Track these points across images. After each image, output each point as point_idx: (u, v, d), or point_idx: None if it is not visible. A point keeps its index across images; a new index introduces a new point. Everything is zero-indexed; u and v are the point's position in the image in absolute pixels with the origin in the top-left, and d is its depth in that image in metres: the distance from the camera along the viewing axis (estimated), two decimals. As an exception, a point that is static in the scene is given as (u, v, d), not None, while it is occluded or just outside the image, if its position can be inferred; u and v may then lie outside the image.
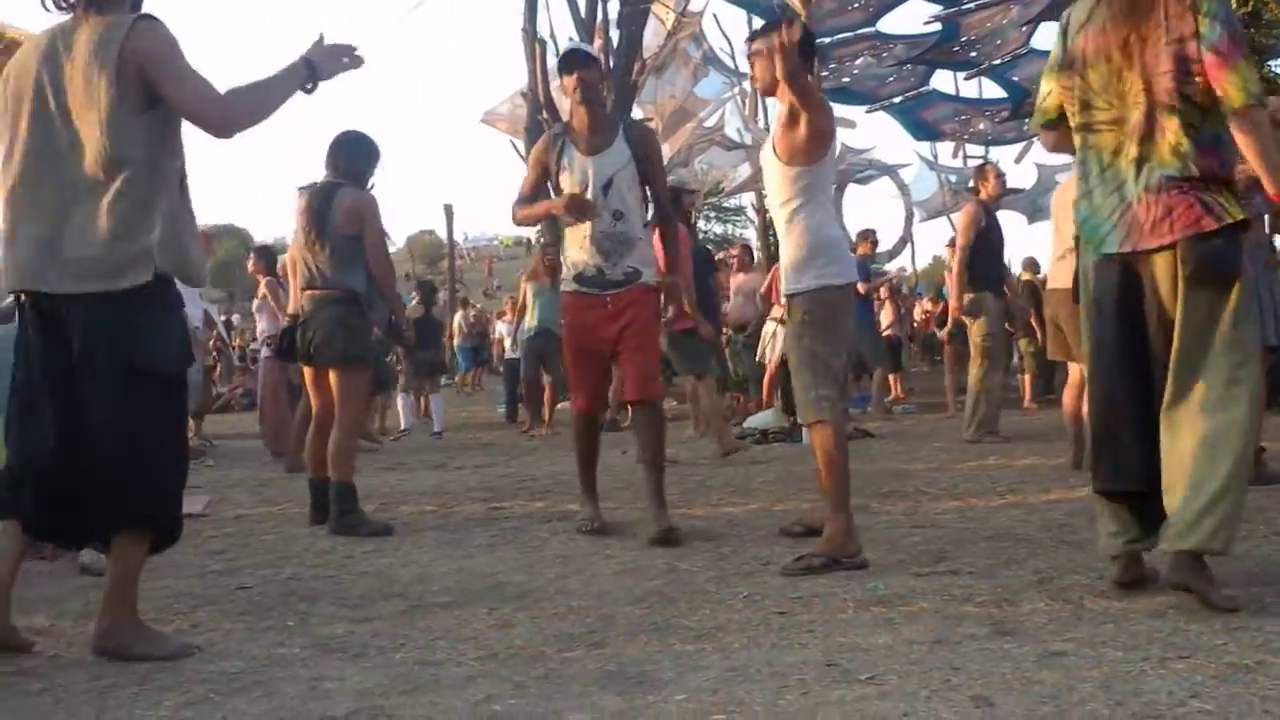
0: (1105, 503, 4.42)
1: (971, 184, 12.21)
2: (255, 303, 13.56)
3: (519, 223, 6.61)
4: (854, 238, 14.43)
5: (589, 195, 6.15)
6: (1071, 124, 4.51)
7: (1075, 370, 8.25)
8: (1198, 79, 4.16)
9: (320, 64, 4.23)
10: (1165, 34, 4.19)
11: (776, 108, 5.73)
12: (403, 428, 15.06)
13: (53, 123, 3.95)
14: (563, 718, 3.24)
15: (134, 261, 3.91)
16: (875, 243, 16.79)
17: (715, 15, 30.03)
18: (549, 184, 6.46)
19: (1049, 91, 4.62)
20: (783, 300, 5.86)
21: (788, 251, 5.62)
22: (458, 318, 29.57)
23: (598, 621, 4.33)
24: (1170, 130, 4.21)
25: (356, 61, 4.37)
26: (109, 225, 3.89)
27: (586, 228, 6.21)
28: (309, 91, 4.22)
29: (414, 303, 15.68)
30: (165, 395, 4.10)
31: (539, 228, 22.89)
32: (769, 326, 13.44)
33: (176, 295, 4.13)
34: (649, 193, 6.44)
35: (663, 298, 6.62)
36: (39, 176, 3.97)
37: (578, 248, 6.31)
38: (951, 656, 3.67)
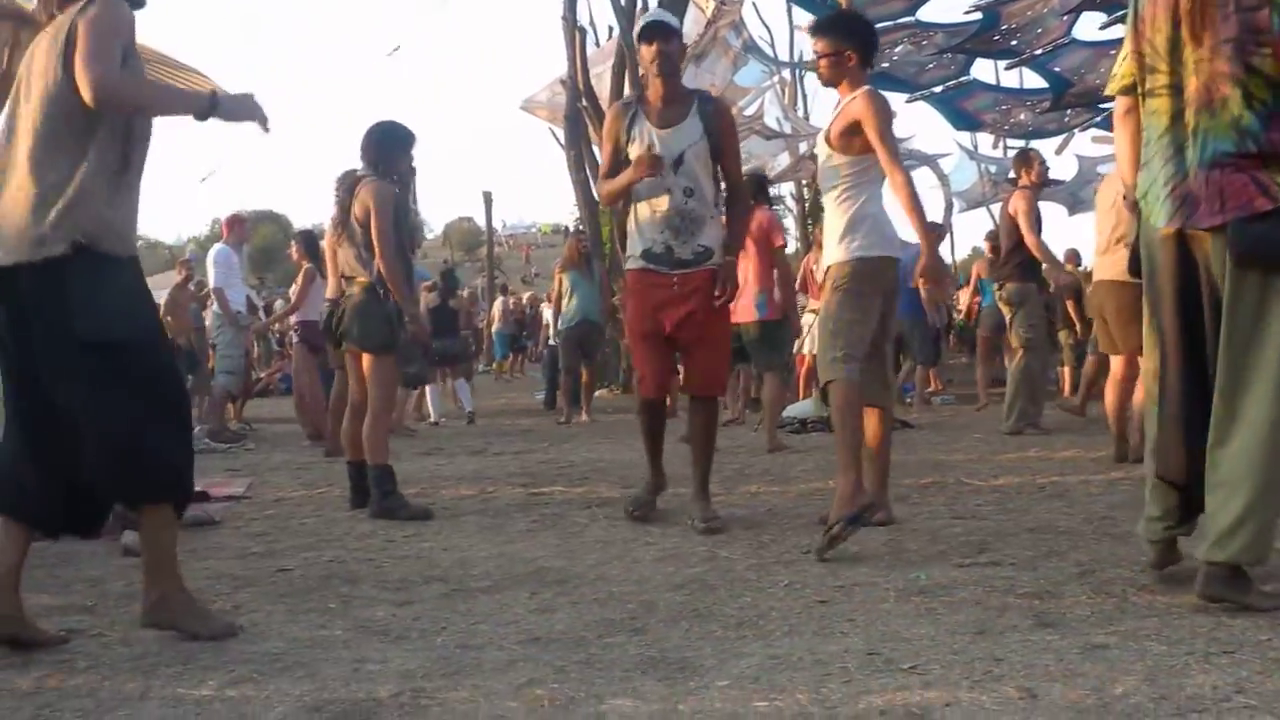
0: (1157, 484, 4.29)
1: (1012, 173, 12.12)
2: (294, 289, 13.62)
3: (607, 201, 6.52)
4: None
5: (660, 172, 6.03)
6: (1142, 90, 4.34)
7: (1118, 364, 8.20)
8: (1266, 50, 3.97)
9: (226, 105, 4.22)
10: None
11: (835, 98, 5.81)
12: (432, 419, 15.05)
13: (18, 105, 4.05)
14: (605, 703, 3.25)
15: (52, 231, 3.87)
16: (940, 236, 16.76)
17: (754, 3, 29.97)
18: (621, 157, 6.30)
19: (1123, 56, 4.46)
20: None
21: (830, 227, 5.77)
22: (496, 305, 29.65)
23: (639, 608, 4.34)
24: (1233, 102, 4.01)
25: (263, 122, 4.35)
26: (30, 199, 3.90)
27: (659, 203, 6.10)
28: (200, 119, 4.15)
29: (430, 293, 15.66)
30: (121, 362, 3.97)
31: (576, 216, 22.99)
32: (808, 318, 13.43)
33: (112, 262, 4.00)
34: (720, 172, 6.32)
35: (719, 280, 6.25)
36: (2, 157, 4.06)
37: (648, 223, 6.18)
38: (994, 647, 3.65)
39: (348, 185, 7.11)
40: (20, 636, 3.98)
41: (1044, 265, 10.58)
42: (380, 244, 6.88)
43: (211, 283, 13.37)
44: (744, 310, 9.50)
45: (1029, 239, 10.31)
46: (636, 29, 6.24)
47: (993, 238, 15.09)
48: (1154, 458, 4.31)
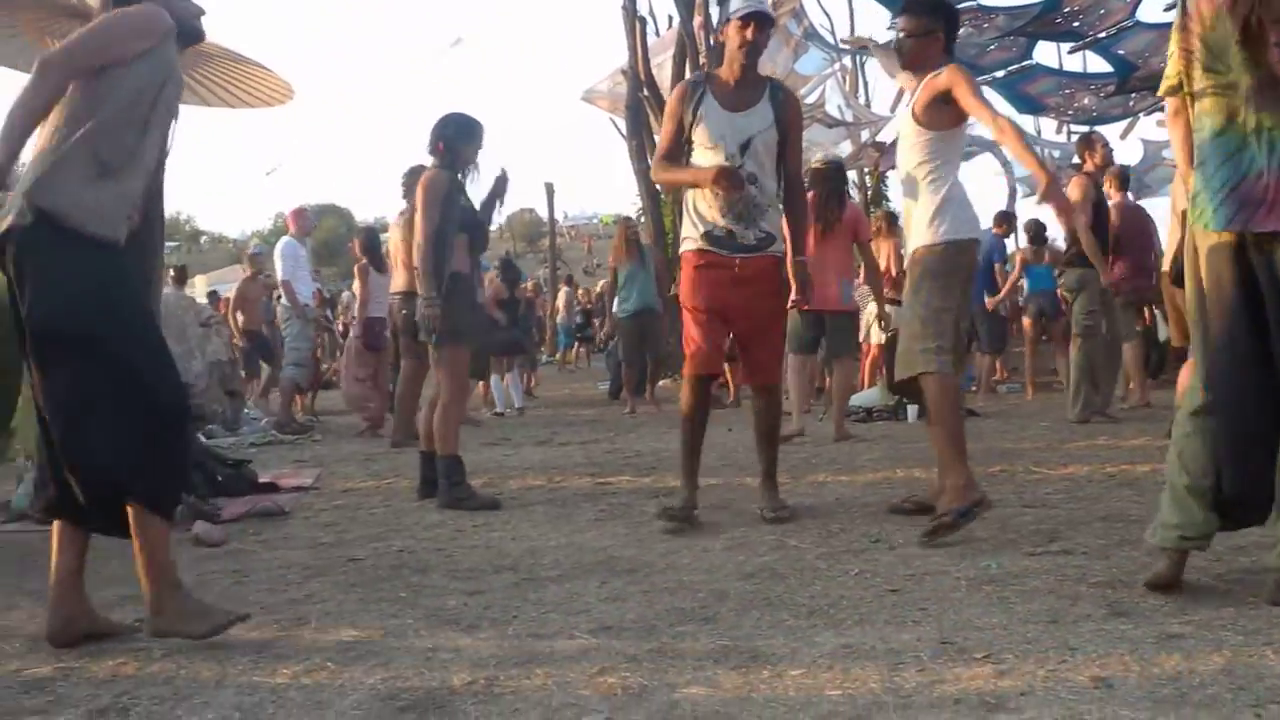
0: (1182, 493, 4.10)
1: (1076, 158, 12.01)
2: (355, 284, 13.73)
3: (660, 183, 6.41)
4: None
5: (725, 155, 5.95)
6: (1188, 90, 4.22)
7: None
8: None
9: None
10: None
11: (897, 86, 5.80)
12: (497, 410, 15.14)
13: None
14: (678, 691, 3.25)
15: (22, 198, 3.85)
16: (1012, 225, 16.69)
17: (814, -9, 29.91)
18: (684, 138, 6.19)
19: (1172, 54, 4.34)
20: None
21: (914, 211, 5.69)
22: (560, 295, 29.72)
23: (709, 596, 4.34)
24: None
25: None
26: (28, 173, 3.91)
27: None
28: None
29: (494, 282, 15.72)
30: (75, 359, 3.87)
31: (638, 206, 22.98)
32: (870, 307, 13.39)
33: (80, 242, 3.86)
34: (780, 163, 6.20)
35: (791, 279, 6.25)
36: None
37: (710, 207, 6.06)
38: (1068, 636, 3.63)
39: (413, 176, 7.17)
40: (93, 633, 4.05)
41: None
42: (421, 232, 6.90)
43: (279, 276, 13.50)
44: (830, 299, 9.45)
45: (1078, 228, 10.24)
46: (737, 9, 6.14)
47: (1032, 226, 14.99)
48: (1181, 465, 4.12)
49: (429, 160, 7.28)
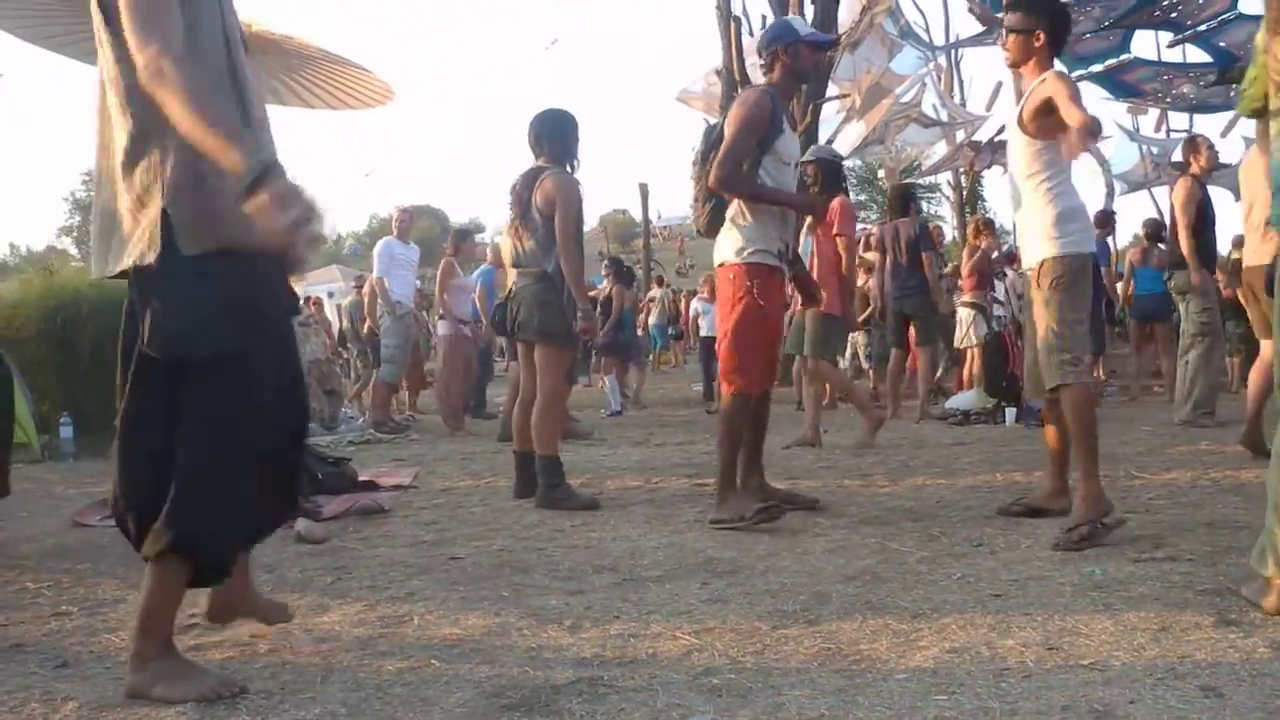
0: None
1: (1180, 158, 11.86)
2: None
3: (742, 195, 6.12)
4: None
5: (794, 172, 6.20)
6: (1271, 105, 4.14)
7: (1267, 347, 8.03)
8: None
9: (269, 184, 2.98)
10: None
11: (1023, 82, 5.77)
12: (614, 409, 15.22)
13: None
14: (782, 694, 3.25)
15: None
16: (1113, 225, 16.53)
17: (909, -11, 29.68)
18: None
19: (1253, 78, 4.34)
20: (1024, 269, 5.77)
21: (1034, 219, 5.64)
22: (654, 297, 29.75)
23: (811, 599, 4.33)
24: None
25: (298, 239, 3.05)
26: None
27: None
28: (243, 190, 2.98)
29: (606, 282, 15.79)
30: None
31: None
32: (964, 313, 13.34)
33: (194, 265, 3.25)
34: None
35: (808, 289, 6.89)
36: None
37: (776, 223, 6.17)
38: (1176, 645, 3.59)
39: (529, 178, 7.19)
40: (250, 614, 3.99)
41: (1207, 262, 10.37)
42: (563, 235, 6.97)
43: (374, 274, 13.64)
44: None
45: (1180, 231, 10.11)
46: (811, 34, 6.24)
47: (1149, 225, 14.81)
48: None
49: (533, 160, 7.32)
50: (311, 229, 2.97)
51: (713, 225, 6.29)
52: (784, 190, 6.21)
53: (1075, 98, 5.35)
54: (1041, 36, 5.66)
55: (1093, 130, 5.11)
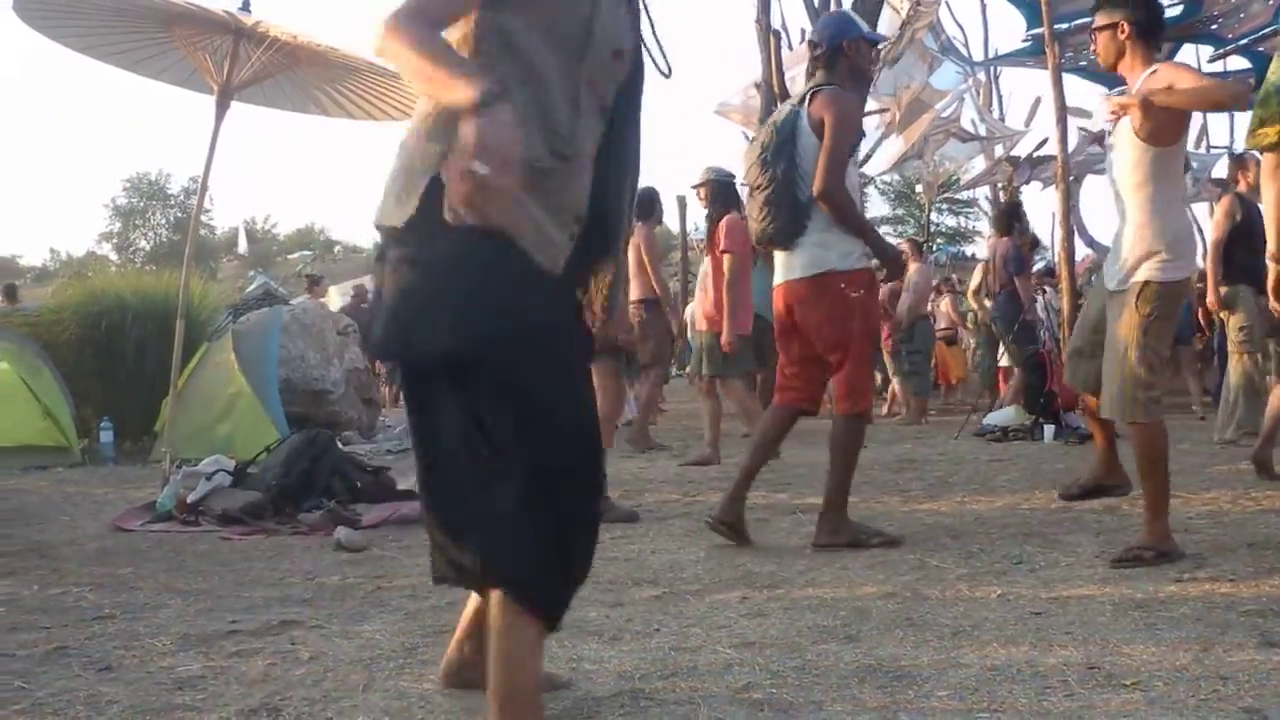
0: None
1: (1219, 174, 11.80)
2: None
3: (847, 210, 5.79)
4: None
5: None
6: None
7: None
8: None
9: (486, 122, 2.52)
10: None
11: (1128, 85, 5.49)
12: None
13: None
14: (824, 710, 3.24)
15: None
16: None
17: (948, 4, 29.31)
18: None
19: (1263, 115, 4.38)
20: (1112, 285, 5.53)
21: (1137, 235, 5.26)
22: (689, 309, 29.72)
23: (851, 615, 4.32)
24: None
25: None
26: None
27: None
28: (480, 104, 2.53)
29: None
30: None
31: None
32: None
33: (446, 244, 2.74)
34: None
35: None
36: None
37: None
38: (1219, 665, 3.56)
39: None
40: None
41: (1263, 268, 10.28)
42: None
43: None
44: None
45: (1210, 246, 10.04)
46: (865, 31, 6.08)
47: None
48: None
49: None
50: (494, 175, 2.52)
51: (790, 233, 5.82)
52: (875, 231, 6.09)
53: (1191, 74, 5.23)
54: (1126, 27, 5.32)
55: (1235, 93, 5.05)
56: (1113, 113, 5.33)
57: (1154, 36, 5.42)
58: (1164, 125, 5.15)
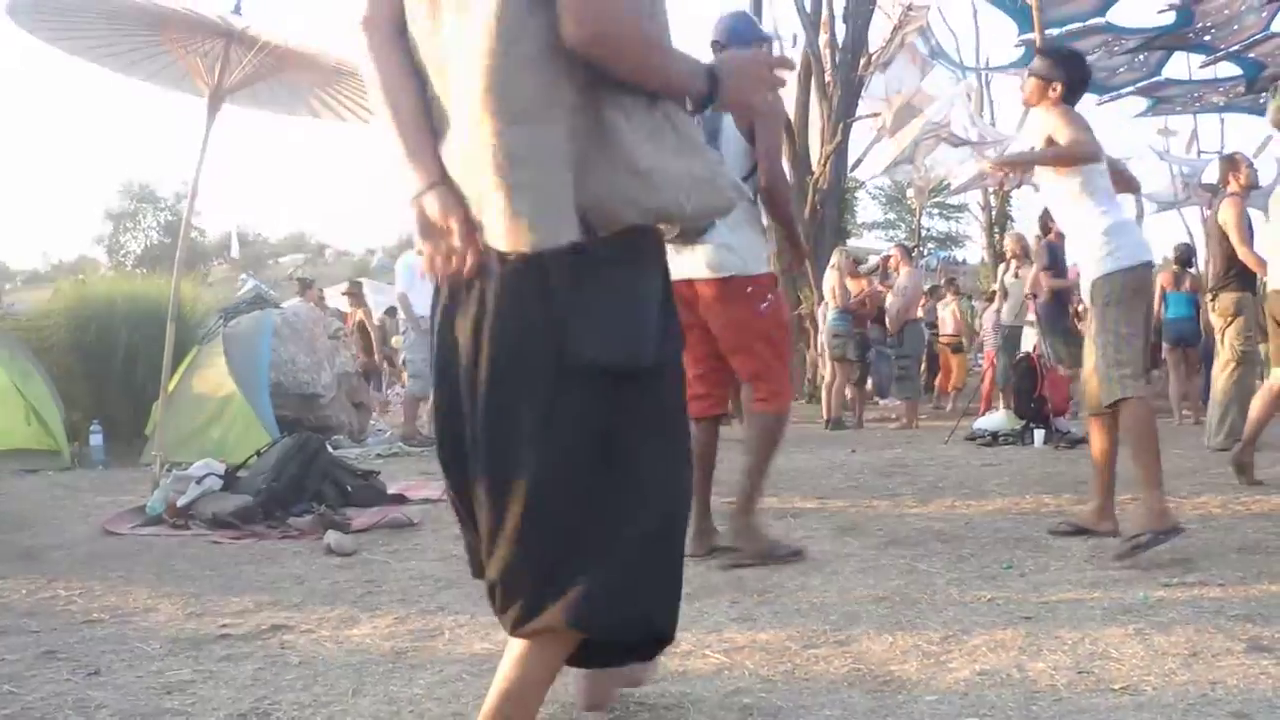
0: None
1: (1209, 178, 11.80)
2: None
3: (787, 198, 5.92)
4: None
5: None
6: None
7: (1278, 376, 8.10)
8: None
9: (726, 79, 2.62)
10: None
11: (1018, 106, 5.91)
12: None
13: None
14: (813, 714, 3.25)
15: None
16: None
17: (939, 9, 29.19)
18: None
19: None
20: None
21: (1080, 244, 5.81)
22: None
23: (841, 619, 4.32)
24: None
25: (771, 84, 2.79)
26: None
27: None
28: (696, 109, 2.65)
29: None
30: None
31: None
32: (1027, 331, 13.42)
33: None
34: None
35: None
36: None
37: None
38: (1208, 671, 3.57)
39: None
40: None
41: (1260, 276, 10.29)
42: None
43: (397, 288, 13.69)
44: None
45: (1241, 250, 9.98)
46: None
47: (1180, 251, 14.78)
48: None
49: None
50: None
51: (698, 230, 5.42)
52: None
53: (1074, 126, 5.63)
54: (1058, 89, 5.84)
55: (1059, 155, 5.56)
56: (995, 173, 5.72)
57: (1076, 96, 5.98)
58: (1067, 166, 5.75)
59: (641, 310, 2.58)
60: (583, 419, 2.50)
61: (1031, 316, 13.46)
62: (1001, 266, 15.15)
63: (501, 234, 2.47)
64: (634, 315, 2.56)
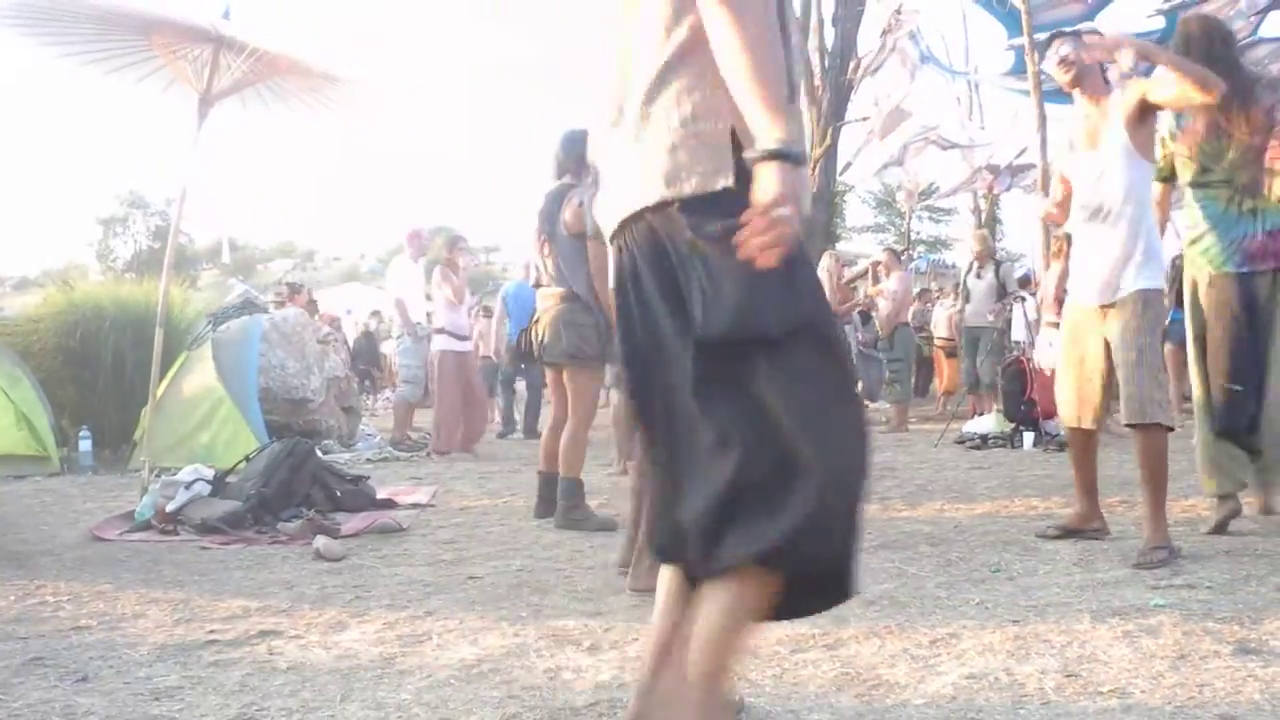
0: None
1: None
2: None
3: None
4: None
5: None
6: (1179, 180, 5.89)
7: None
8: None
9: (793, 162, 2.41)
10: None
11: (1083, 108, 5.73)
12: None
13: None
14: (801, 718, 3.25)
15: None
16: None
17: (928, 14, 29.18)
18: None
19: (1164, 155, 5.73)
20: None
21: (1113, 248, 5.60)
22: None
23: (830, 623, 4.29)
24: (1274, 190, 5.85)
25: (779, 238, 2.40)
26: None
27: None
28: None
29: None
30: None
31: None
32: (1045, 334, 13.36)
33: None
34: None
35: None
36: None
37: None
38: (1195, 674, 3.57)
39: (556, 196, 7.14)
40: None
41: None
42: (597, 254, 6.84)
43: (393, 294, 13.66)
44: None
45: None
46: None
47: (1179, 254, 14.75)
48: None
49: (554, 180, 7.30)
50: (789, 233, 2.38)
51: None
52: None
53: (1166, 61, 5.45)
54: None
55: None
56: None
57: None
58: (1149, 137, 5.63)
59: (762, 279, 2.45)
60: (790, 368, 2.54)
61: (1020, 318, 13.49)
62: (964, 267, 15.06)
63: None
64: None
